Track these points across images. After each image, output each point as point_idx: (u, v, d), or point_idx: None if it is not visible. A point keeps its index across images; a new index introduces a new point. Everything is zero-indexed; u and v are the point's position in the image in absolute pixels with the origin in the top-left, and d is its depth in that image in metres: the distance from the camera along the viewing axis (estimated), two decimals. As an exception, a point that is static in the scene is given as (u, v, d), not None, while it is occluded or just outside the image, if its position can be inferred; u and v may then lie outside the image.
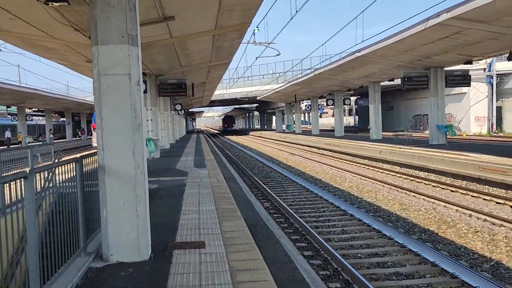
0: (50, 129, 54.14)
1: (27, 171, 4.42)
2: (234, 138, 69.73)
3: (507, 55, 20.44)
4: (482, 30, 16.93)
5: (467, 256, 8.53)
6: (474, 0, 14.75)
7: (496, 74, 40.95)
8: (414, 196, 14.36)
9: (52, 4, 8.85)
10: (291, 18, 21.34)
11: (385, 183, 16.82)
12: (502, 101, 42.46)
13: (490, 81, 41.52)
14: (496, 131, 41.51)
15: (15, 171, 10.96)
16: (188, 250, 6.31)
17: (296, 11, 20.22)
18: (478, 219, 11.09)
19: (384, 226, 10.29)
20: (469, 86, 28.78)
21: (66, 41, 14.26)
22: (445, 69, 26.14)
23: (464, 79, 26.64)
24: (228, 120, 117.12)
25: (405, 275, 7.45)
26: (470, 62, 24.09)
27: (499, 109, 42.68)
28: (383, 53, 23.56)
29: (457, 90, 41.50)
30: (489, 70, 41.36)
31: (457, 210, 12.08)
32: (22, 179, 4.36)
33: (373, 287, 6.49)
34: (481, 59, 32.00)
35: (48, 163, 12.69)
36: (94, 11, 5.82)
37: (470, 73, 27.36)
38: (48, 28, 12.41)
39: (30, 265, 4.35)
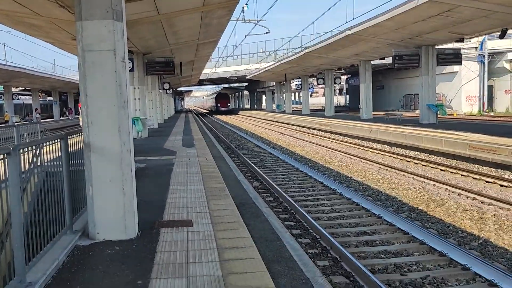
0: (36, 108, 53.61)
1: (11, 148, 4.32)
2: (223, 118, 69.52)
3: (499, 33, 20.41)
4: (473, 7, 16.86)
5: (456, 234, 8.56)
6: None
7: (488, 53, 40.89)
8: (403, 175, 14.39)
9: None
10: (281, -4, 21.12)
11: (374, 163, 16.84)
12: (494, 80, 42.50)
13: (482, 60, 41.45)
14: (487, 111, 41.64)
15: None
16: (176, 229, 6.27)
17: (286, -11, 20.00)
18: (467, 197, 11.13)
19: (373, 205, 10.29)
20: (461, 65, 28.81)
21: (51, 18, 13.99)
22: (437, 47, 26.06)
23: (456, 58, 26.60)
24: (221, 98, 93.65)
25: (393, 253, 7.46)
26: (461, 41, 24.04)
27: (490, 88, 42.74)
28: (374, 31, 23.43)
29: (448, 69, 41.44)
30: (481, 49, 41.26)
31: (447, 189, 12.12)
32: (6, 156, 4.27)
33: (361, 265, 6.49)
34: (473, 37, 31.93)
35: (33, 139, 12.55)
36: (78, -15, 5.67)
37: (462, 51, 27.32)
38: (33, 4, 12.17)
39: (14, 243, 4.28)
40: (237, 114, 79.69)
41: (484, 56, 41.09)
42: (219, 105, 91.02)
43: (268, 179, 13.54)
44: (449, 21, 19.37)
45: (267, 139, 29.34)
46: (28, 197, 5.90)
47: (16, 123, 30.24)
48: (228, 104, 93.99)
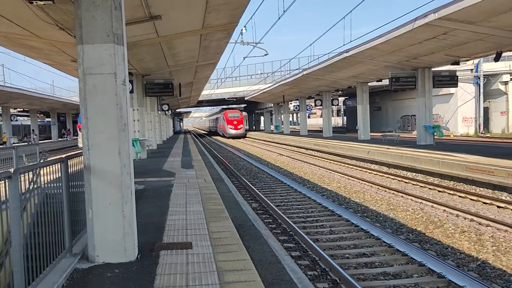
0: (33, 130, 53.69)
1: (12, 171, 4.35)
2: (221, 139, 69.61)
3: (494, 56, 20.60)
4: (469, 30, 17.05)
5: (454, 255, 8.56)
6: (461, 1, 14.85)
7: (483, 75, 41.26)
8: (401, 196, 14.41)
9: (36, 2, 8.73)
10: (279, 18, 21.35)
11: (373, 184, 16.86)
12: (489, 101, 42.82)
13: (477, 82, 41.81)
14: (483, 132, 41.84)
15: None
16: (175, 251, 6.26)
17: (284, 11, 20.23)
18: (465, 219, 11.14)
19: (372, 227, 10.30)
20: (457, 86, 28.98)
21: (51, 40, 14.10)
22: (433, 69, 26.29)
23: (452, 80, 26.84)
24: (232, 118, 63.89)
25: (392, 275, 7.45)
26: (457, 63, 24.28)
27: (486, 110, 43.02)
28: (371, 54, 23.64)
29: (444, 90, 41.76)
30: (476, 71, 41.66)
31: (444, 210, 12.13)
32: (7, 179, 4.29)
33: (361, 287, 6.48)
34: (468, 60, 32.20)
35: (33, 163, 12.56)
36: (79, 10, 5.76)
37: (458, 73, 27.55)
38: (33, 27, 12.27)
39: (14, 266, 4.28)
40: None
41: (479, 78, 41.45)
42: (230, 126, 63.27)
43: (267, 200, 13.55)
44: (445, 44, 19.57)
45: (265, 160, 29.36)
46: (28, 218, 5.91)
47: (14, 144, 30.28)
48: (241, 126, 64.73)
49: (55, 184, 5.93)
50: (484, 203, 12.74)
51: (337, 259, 8.28)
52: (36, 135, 52.56)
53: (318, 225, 10.97)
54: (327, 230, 10.49)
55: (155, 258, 5.98)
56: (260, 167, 24.18)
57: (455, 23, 16.48)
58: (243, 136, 65.11)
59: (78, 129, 32.81)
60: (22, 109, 59.71)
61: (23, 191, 4.97)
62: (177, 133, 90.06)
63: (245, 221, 9.18)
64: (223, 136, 67.24)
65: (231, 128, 63.67)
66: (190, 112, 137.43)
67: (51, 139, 61.86)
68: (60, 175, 5.92)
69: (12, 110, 51.81)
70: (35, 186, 6.36)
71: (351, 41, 26.72)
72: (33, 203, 6.63)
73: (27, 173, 5.37)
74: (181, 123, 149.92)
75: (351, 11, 22.82)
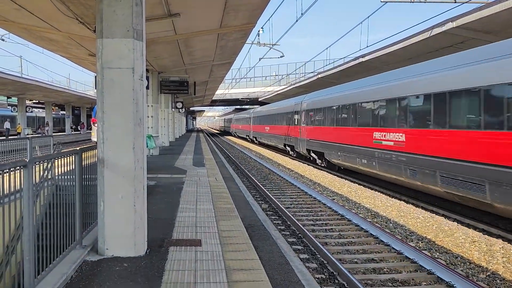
0: (47, 122, 54.19)
1: (27, 161, 4.40)
2: (233, 138, 69.67)
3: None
4: (486, 40, 16.92)
5: (464, 265, 8.50)
6: (480, 11, 14.76)
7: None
8: (412, 203, 14.32)
9: (58, -5, 8.83)
10: (296, 20, 21.30)
11: (384, 189, 16.77)
12: None
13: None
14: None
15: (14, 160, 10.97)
16: (184, 248, 6.29)
17: (302, 14, 20.19)
18: (476, 229, 11.05)
19: (381, 232, 10.25)
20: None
21: (70, 34, 14.22)
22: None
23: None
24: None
25: (400, 282, 7.41)
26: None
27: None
28: (387, 60, 23.56)
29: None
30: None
31: (455, 219, 12.04)
32: (22, 168, 4.34)
33: (369, 293, 6.45)
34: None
35: (48, 154, 12.68)
36: (101, 5, 5.81)
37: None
38: (53, 20, 12.39)
39: (25, 255, 4.33)
40: (247, 135, 79.57)
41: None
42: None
43: (276, 201, 13.54)
44: (463, 52, 19.40)
45: (276, 162, 29.33)
46: (40, 209, 5.97)
47: (28, 135, 30.53)
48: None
49: (67, 176, 5.98)
50: (496, 214, 12.60)
51: (345, 263, 8.25)
52: (46, 127, 53.02)
53: (327, 229, 10.94)
54: (336, 234, 10.46)
55: (164, 253, 6.01)
56: (270, 168, 24.15)
57: (473, 32, 16.41)
58: None
59: (92, 123, 33.08)
60: (37, 101, 60.26)
61: (36, 182, 5.02)
62: (190, 131, 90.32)
63: (254, 221, 9.18)
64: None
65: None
66: (204, 111, 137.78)
67: (64, 131, 62.39)
68: (73, 167, 5.97)
69: (27, 102, 52.28)
70: (48, 177, 6.44)
71: (367, 46, 26.69)
72: (45, 194, 6.72)
73: (41, 164, 5.43)
74: (194, 122, 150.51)
75: (368, 16, 22.60)
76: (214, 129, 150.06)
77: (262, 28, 29.94)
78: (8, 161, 11.25)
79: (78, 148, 6.16)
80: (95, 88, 6.10)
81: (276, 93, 56.68)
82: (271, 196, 14.54)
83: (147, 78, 21.28)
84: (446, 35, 17.12)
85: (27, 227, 4.32)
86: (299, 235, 10.19)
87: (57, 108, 67.72)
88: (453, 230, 10.88)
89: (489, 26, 15.49)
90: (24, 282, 4.33)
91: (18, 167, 4.36)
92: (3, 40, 32.87)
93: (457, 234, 10.54)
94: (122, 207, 5.89)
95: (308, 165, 26.90)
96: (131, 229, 5.90)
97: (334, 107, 21.86)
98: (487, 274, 8.03)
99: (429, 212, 12.95)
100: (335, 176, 21.29)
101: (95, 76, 6.06)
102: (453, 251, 9.40)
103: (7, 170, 4.24)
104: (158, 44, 16.51)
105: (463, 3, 17.36)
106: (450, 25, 16.37)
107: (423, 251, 8.99)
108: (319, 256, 8.62)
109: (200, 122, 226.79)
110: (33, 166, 4.46)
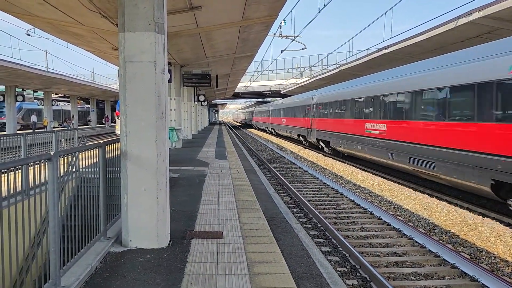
0: (73, 115, 55.02)
1: (52, 154, 4.47)
2: (255, 131, 69.74)
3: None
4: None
5: (488, 259, 8.39)
6: (508, 0, 14.46)
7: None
8: (436, 196, 14.17)
9: (81, -10, 8.93)
10: (319, 12, 21.13)
11: (407, 182, 16.62)
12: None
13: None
14: None
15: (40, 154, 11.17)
16: (206, 240, 6.33)
17: (324, 5, 20.02)
18: (501, 222, 10.89)
19: (404, 226, 10.17)
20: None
21: (93, 28, 14.38)
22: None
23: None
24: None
25: (423, 276, 7.36)
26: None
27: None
28: (411, 51, 23.25)
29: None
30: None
31: (480, 213, 11.88)
32: (46, 161, 4.41)
33: (391, 286, 6.42)
34: None
35: (72, 147, 12.88)
36: (123, -2, 5.84)
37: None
38: (77, 14, 12.53)
39: (51, 246, 4.40)
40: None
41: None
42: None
43: (298, 194, 13.53)
44: (489, 43, 19.07)
45: (298, 154, 29.28)
46: (65, 201, 6.07)
47: (54, 129, 31.03)
48: None
49: (91, 169, 6.06)
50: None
51: (367, 256, 8.22)
52: (70, 121, 53.80)
53: (350, 222, 10.89)
54: (358, 227, 10.41)
55: (186, 245, 6.06)
56: (292, 161, 24.12)
57: (500, 22, 16.07)
58: None
59: (116, 116, 33.41)
60: (63, 95, 61.09)
61: (61, 174, 5.10)
62: (212, 124, 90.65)
63: (276, 214, 9.20)
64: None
65: None
66: (226, 103, 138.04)
67: (88, 125, 63.18)
68: (97, 160, 6.05)
69: (53, 96, 53.02)
70: (73, 169, 6.54)
71: (391, 37, 26.39)
72: (71, 186, 6.82)
73: (66, 157, 5.51)
74: (216, 114, 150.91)
75: (392, 7, 22.24)
76: (236, 121, 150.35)
77: (284, 20, 29.85)
78: (34, 154, 11.47)
79: (101, 142, 6.23)
80: (119, 82, 6.15)
81: (298, 85, 56.47)
82: (292, 188, 14.52)
83: (170, 71, 21.41)
84: (472, 25, 16.80)
85: (52, 218, 4.39)
86: (321, 228, 10.17)
87: (82, 101, 68.55)
88: (477, 224, 10.74)
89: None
90: (50, 273, 4.41)
91: (43, 160, 4.43)
92: (29, 35, 33.32)
93: (481, 228, 10.40)
94: (145, 200, 5.95)
95: (318, 152, 26.94)
96: (154, 221, 5.96)
97: (337, 102, 25.71)
98: (513, 268, 7.92)
99: (453, 206, 12.80)
100: (357, 169, 21.16)
101: (118, 70, 6.11)
102: (477, 245, 9.28)
103: (32, 164, 4.32)
104: (180, 37, 16.59)
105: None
106: (476, 15, 16.06)
107: (447, 245, 8.90)
108: (341, 249, 8.59)
109: (223, 115, 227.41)
110: (57, 160, 4.52)
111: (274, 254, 5.75)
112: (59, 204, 4.53)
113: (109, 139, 6.83)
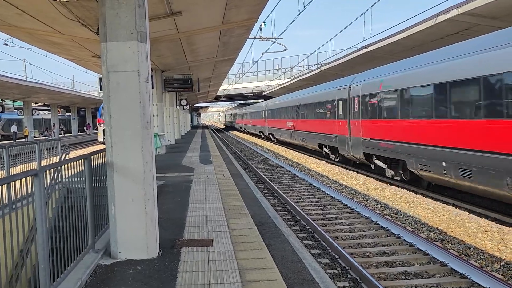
0: (54, 124, 54.46)
1: (37, 168, 4.40)
2: (239, 134, 69.69)
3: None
4: (493, 26, 16.78)
5: (477, 256, 8.46)
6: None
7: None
8: (422, 194, 14.27)
9: (60, 0, 8.82)
10: (299, 14, 21.20)
11: (392, 180, 16.73)
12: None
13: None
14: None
15: (25, 166, 11.02)
16: (196, 248, 6.29)
17: (304, 7, 20.06)
18: (488, 218, 11.00)
19: (392, 225, 10.22)
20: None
21: (73, 36, 14.24)
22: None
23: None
24: None
25: (414, 275, 7.39)
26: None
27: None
28: (391, 49, 23.44)
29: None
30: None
31: (466, 208, 11.99)
32: (33, 176, 4.34)
33: (382, 287, 6.44)
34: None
35: (57, 159, 12.74)
36: (103, 8, 5.78)
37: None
38: (55, 23, 12.40)
39: (40, 263, 4.33)
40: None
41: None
42: None
43: (285, 196, 13.53)
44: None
45: (283, 156, 29.31)
46: (51, 212, 5.98)
47: (35, 138, 30.65)
48: None
49: (77, 179, 5.97)
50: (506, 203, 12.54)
51: (357, 257, 8.24)
52: (51, 130, 53.27)
53: (338, 223, 10.92)
54: (346, 227, 10.44)
55: (176, 255, 6.01)
56: (277, 163, 24.14)
57: (479, 18, 16.27)
58: None
59: (97, 123, 33.10)
60: (43, 104, 60.47)
61: (46, 186, 5.02)
62: (195, 128, 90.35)
63: (265, 218, 9.18)
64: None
65: None
66: (208, 106, 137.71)
67: (71, 133, 62.58)
68: (82, 169, 5.96)
69: (33, 105, 52.45)
70: (58, 180, 6.45)
71: (371, 37, 26.54)
72: (56, 197, 6.73)
73: (52, 169, 5.43)
74: (199, 118, 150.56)
75: (371, 6, 22.37)
76: (219, 124, 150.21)
77: (264, 22, 29.88)
78: (18, 164, 11.33)
79: (87, 153, 6.15)
80: (100, 89, 6.09)
81: (280, 86, 56.57)
82: (279, 191, 14.52)
83: (151, 77, 21.31)
84: (451, 22, 16.99)
85: (40, 235, 4.32)
86: (310, 230, 10.18)
87: (62, 110, 67.93)
88: (464, 220, 10.83)
89: (494, 11, 15.35)
90: (40, 288, 4.34)
91: (29, 176, 4.36)
92: (6, 45, 32.98)
93: (468, 224, 10.49)
94: (133, 210, 5.88)
95: (316, 158, 26.79)
96: (143, 232, 5.90)
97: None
98: (501, 264, 7.99)
99: (439, 202, 12.91)
100: (342, 169, 21.25)
101: (100, 78, 6.06)
102: (465, 241, 9.35)
103: (19, 179, 4.25)
104: (161, 43, 16.50)
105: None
106: (455, 12, 16.24)
107: (435, 243, 8.96)
108: (330, 251, 8.61)
109: (205, 118, 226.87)
110: (43, 175, 4.46)
111: (265, 260, 5.72)
112: (46, 218, 4.46)
113: (95, 150, 6.75)
